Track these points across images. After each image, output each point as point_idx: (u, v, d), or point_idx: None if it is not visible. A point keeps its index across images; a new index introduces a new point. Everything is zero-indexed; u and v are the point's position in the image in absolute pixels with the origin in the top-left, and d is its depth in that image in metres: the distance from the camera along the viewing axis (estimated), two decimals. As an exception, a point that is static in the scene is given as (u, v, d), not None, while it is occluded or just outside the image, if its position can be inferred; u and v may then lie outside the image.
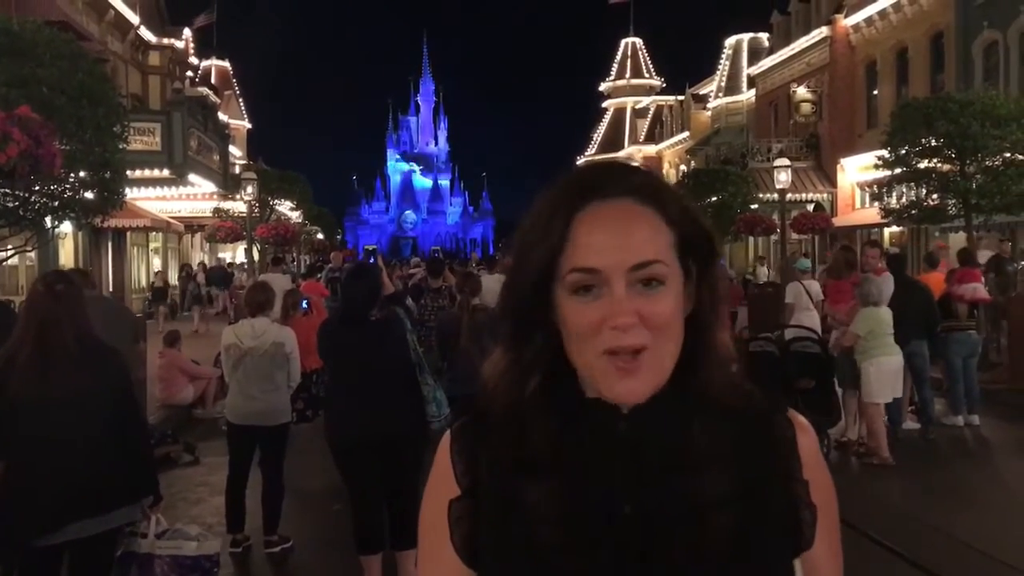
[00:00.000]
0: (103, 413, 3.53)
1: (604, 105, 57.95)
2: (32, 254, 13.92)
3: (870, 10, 27.60)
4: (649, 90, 55.51)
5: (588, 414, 1.07)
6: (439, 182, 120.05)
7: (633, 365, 1.00)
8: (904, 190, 17.59)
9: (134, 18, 27.76)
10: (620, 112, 56.18)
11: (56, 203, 9.01)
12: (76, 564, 3.61)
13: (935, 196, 15.76)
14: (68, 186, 8.99)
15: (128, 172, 11.35)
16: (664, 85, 55.63)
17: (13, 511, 3.48)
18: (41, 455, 3.47)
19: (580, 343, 1.03)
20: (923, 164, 15.60)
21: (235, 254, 34.88)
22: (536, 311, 1.05)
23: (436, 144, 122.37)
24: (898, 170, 16.21)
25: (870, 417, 8.27)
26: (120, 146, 9.99)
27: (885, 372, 8.21)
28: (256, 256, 24.01)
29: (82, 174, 9.17)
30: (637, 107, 55.02)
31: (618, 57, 57.42)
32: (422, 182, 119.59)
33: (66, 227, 14.54)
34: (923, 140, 15.38)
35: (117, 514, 3.63)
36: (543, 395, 1.08)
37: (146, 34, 29.42)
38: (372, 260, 11.17)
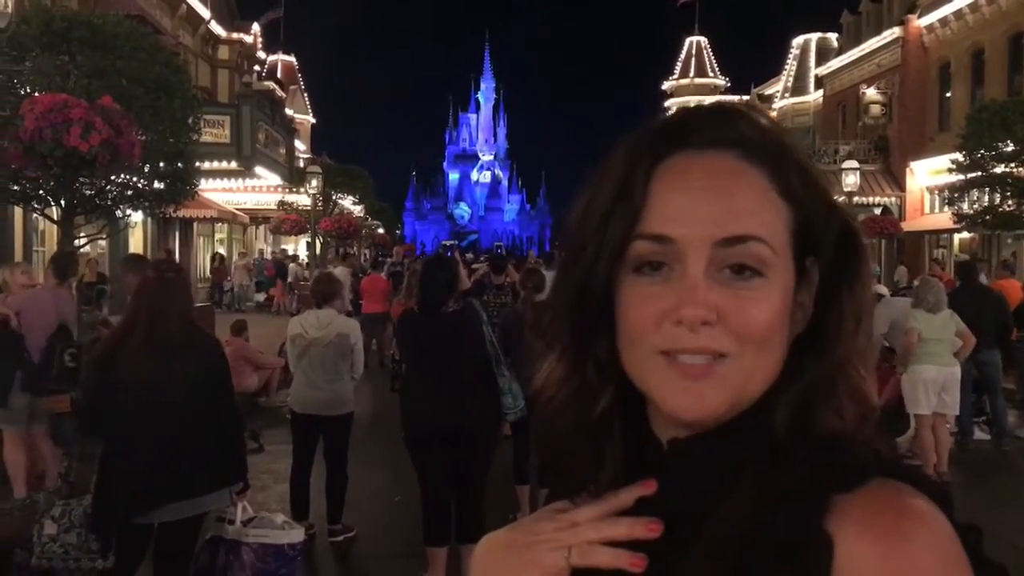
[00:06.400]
0: (202, 399, 3.63)
1: (666, 104, 57.42)
2: (103, 242, 14.31)
3: (945, 10, 26.88)
4: (713, 89, 54.88)
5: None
6: (497, 179, 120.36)
7: (702, 371, 0.73)
8: (977, 195, 17.15)
9: (205, 12, 28.38)
10: (682, 111, 55.64)
11: (130, 192, 9.25)
12: (163, 543, 3.70)
13: (1011, 202, 15.33)
14: (143, 176, 9.23)
15: (197, 163, 11.60)
16: (729, 85, 54.99)
17: (114, 489, 3.59)
18: (143, 437, 3.57)
19: (632, 340, 0.76)
20: (999, 169, 15.19)
21: (296, 246, 35.43)
22: (600, 301, 0.78)
23: (495, 141, 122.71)
24: (973, 174, 15.79)
25: (917, 428, 7.95)
26: (193, 137, 10.20)
27: (919, 382, 7.74)
28: (319, 249, 24.36)
29: (159, 164, 9.41)
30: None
31: (682, 56, 56.91)
32: (480, 178, 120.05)
33: (136, 216, 14.93)
34: (999, 144, 14.97)
35: (210, 498, 3.73)
36: (612, 421, 0.82)
37: (216, 28, 30.04)
38: (449, 254, 11.28)
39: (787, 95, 39.77)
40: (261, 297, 24.67)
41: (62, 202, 8.56)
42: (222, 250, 30.36)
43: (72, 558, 3.59)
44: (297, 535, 4.04)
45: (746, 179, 0.75)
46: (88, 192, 8.65)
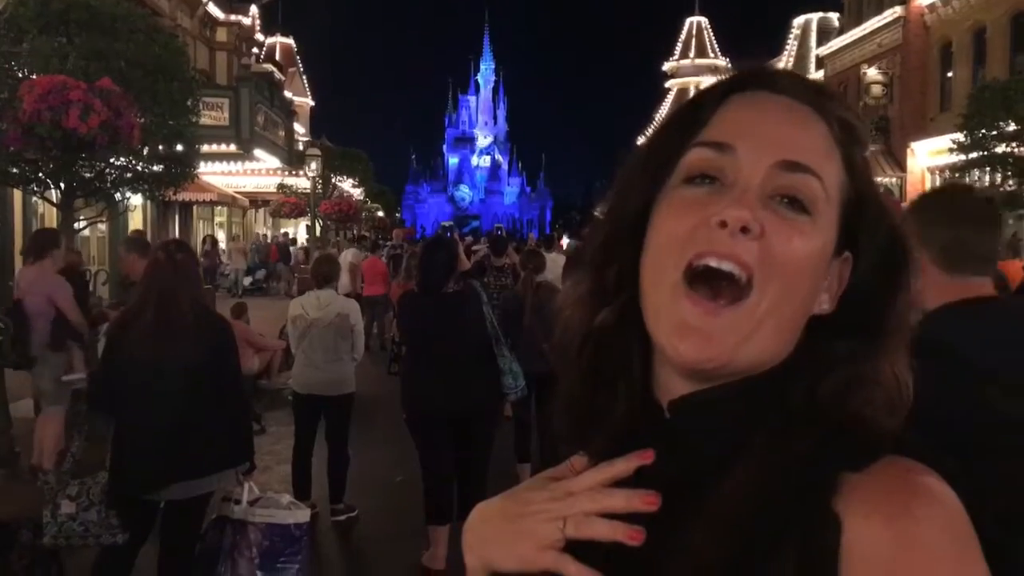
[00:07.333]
0: (210, 379, 3.66)
1: (667, 85, 57.26)
2: (102, 225, 14.29)
3: (947, -11, 26.76)
4: (714, 70, 53.25)
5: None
6: (497, 162, 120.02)
7: (714, 307, 0.70)
8: (979, 175, 17.13)
9: (203, -6, 28.21)
10: (683, 92, 55.41)
11: (129, 175, 9.24)
12: (170, 522, 3.76)
13: (1012, 182, 15.32)
14: (142, 159, 9.21)
15: (196, 146, 11.57)
16: (729, 65, 54.53)
17: (124, 467, 3.63)
18: (152, 417, 3.60)
19: (659, 254, 0.74)
20: (1000, 148, 15.16)
21: (296, 229, 35.38)
22: (639, 218, 0.78)
23: (495, 124, 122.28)
24: (974, 154, 15.76)
25: None
26: (192, 120, 10.17)
27: None
28: (318, 232, 24.35)
29: (158, 147, 9.39)
30: (701, 87, 54.26)
31: (682, 36, 56.69)
32: (480, 162, 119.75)
33: (136, 199, 14.90)
34: (1001, 123, 14.93)
35: (217, 478, 3.78)
36: (619, 330, 0.79)
37: (214, 10, 29.83)
38: (449, 235, 11.29)
39: (788, 76, 39.62)
40: (247, 281, 24.64)
41: (61, 185, 8.55)
42: (222, 233, 30.30)
43: (92, 535, 3.62)
44: (303, 515, 4.07)
45: (817, 129, 0.75)
46: (87, 175, 8.65)
